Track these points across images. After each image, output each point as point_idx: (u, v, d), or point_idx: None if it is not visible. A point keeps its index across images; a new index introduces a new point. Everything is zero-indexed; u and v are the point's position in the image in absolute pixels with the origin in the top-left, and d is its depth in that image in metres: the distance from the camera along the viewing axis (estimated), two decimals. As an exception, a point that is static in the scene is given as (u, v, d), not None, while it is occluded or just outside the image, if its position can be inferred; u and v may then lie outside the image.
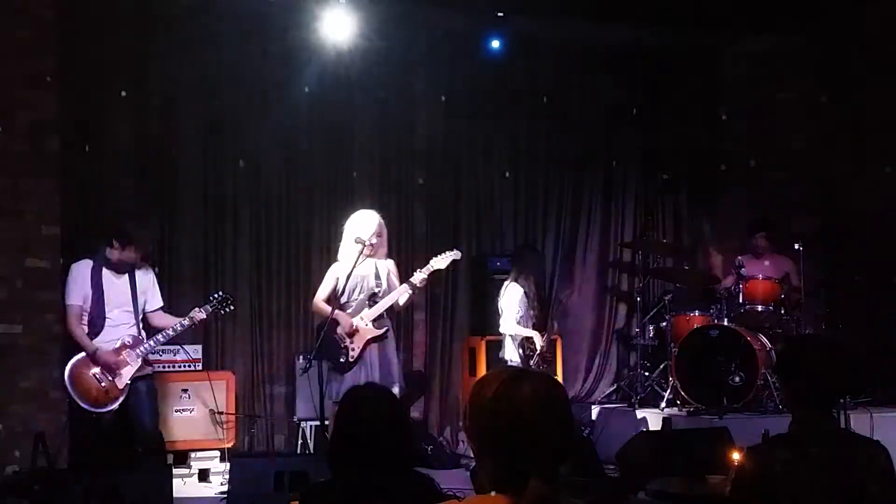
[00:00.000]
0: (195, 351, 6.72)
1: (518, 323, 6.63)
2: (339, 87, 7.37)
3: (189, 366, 6.68)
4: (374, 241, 5.70)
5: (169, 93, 7.02)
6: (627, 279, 8.37)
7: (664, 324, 7.31)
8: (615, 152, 8.40)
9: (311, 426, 6.83)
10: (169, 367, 6.57)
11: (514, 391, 1.90)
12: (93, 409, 5.38)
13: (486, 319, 7.28)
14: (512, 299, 6.68)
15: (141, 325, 5.60)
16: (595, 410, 7.40)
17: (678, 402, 6.99)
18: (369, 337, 5.70)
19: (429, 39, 7.69)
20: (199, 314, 5.65)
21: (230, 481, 5.48)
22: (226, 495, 5.51)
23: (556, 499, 1.87)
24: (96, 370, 5.38)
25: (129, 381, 5.42)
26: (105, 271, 5.49)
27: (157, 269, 6.13)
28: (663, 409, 6.96)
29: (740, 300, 7.01)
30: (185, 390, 6.51)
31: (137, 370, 5.47)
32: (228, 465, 5.91)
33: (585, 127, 8.23)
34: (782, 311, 7.08)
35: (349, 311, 5.75)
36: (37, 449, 5.63)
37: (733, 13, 7.52)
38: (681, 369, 6.89)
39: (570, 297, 6.60)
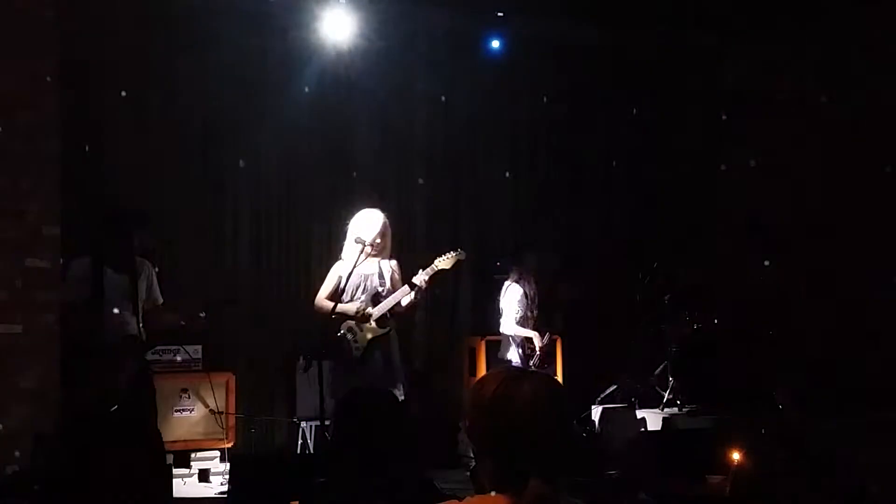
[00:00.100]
0: (195, 351, 6.72)
1: (518, 323, 6.63)
2: (339, 87, 7.37)
3: (189, 365, 6.68)
4: (377, 241, 5.68)
5: (169, 93, 7.02)
6: (627, 279, 8.37)
7: (664, 324, 7.31)
8: (615, 152, 8.40)
9: (311, 426, 6.83)
10: (169, 367, 6.57)
11: (514, 391, 1.91)
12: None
13: (486, 319, 7.27)
14: (512, 300, 6.69)
15: (141, 324, 5.61)
16: (595, 410, 7.40)
17: (678, 402, 6.99)
18: (373, 336, 5.69)
19: (429, 39, 7.69)
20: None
21: (230, 481, 5.48)
22: (226, 495, 5.51)
23: (556, 499, 1.88)
24: None
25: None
26: (105, 268, 5.49)
27: (157, 269, 6.13)
28: (663, 409, 6.96)
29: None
30: (185, 390, 6.51)
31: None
32: (228, 465, 5.91)
33: (585, 127, 8.23)
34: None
35: (352, 311, 5.74)
36: (37, 449, 5.63)
37: (733, 13, 7.52)
38: (681, 369, 6.89)
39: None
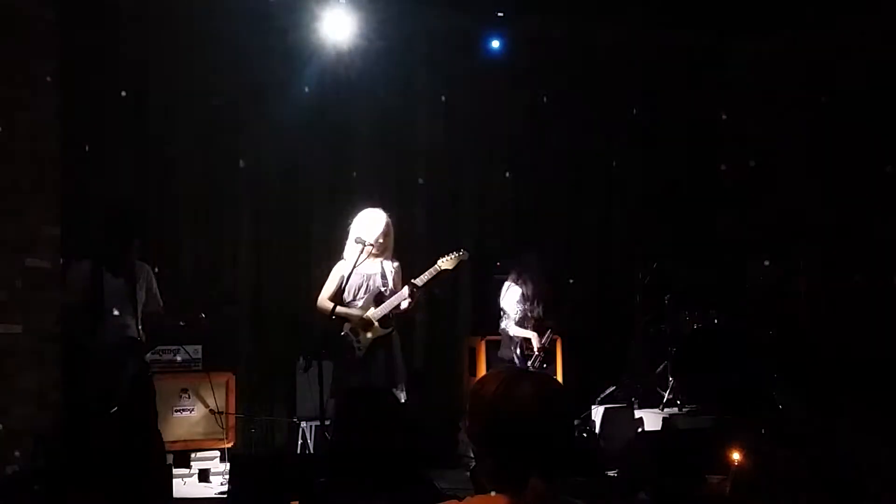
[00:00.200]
0: (195, 351, 6.71)
1: (517, 324, 6.64)
2: (339, 87, 7.36)
3: (189, 365, 6.68)
4: (380, 240, 5.68)
5: (169, 93, 7.02)
6: (627, 279, 8.37)
7: (664, 324, 7.32)
8: (615, 152, 8.40)
9: (311, 426, 6.83)
10: (169, 367, 6.57)
11: (515, 391, 1.91)
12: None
13: (486, 319, 7.27)
14: (511, 300, 6.70)
15: (140, 326, 5.61)
16: (595, 410, 7.40)
17: (678, 402, 6.99)
18: (375, 337, 5.69)
19: (429, 39, 7.69)
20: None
21: (230, 481, 5.48)
22: (226, 495, 5.51)
23: (556, 499, 1.88)
24: None
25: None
26: (104, 272, 5.49)
27: (156, 269, 6.13)
28: (663, 409, 6.97)
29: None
30: (184, 390, 6.51)
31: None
32: (228, 465, 5.91)
33: (585, 127, 8.23)
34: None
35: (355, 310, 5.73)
36: (37, 449, 5.63)
37: (733, 13, 7.53)
38: (680, 369, 6.90)
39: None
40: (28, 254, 6.04)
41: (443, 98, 7.82)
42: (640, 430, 6.85)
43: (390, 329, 5.73)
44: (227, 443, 6.52)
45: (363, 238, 5.59)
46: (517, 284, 6.74)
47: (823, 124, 7.93)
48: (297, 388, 6.91)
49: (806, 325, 7.26)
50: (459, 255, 5.87)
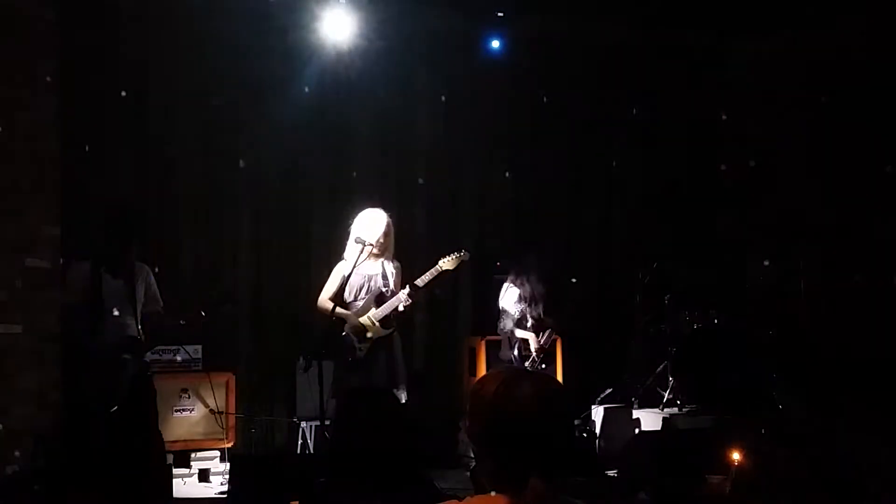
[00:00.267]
0: (195, 351, 6.71)
1: (515, 324, 6.64)
2: (339, 86, 7.37)
3: (189, 365, 6.68)
4: (381, 240, 5.67)
5: (169, 93, 7.02)
6: (627, 279, 8.37)
7: (664, 324, 7.31)
8: (615, 152, 8.40)
9: (311, 426, 6.83)
10: (169, 367, 6.57)
11: (515, 391, 1.91)
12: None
13: (486, 319, 7.27)
14: (509, 301, 6.70)
15: (140, 326, 5.61)
16: (595, 410, 7.40)
17: (678, 402, 6.99)
18: (377, 337, 5.68)
19: (429, 39, 7.69)
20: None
21: (230, 481, 5.48)
22: (226, 495, 5.51)
23: (556, 499, 1.88)
24: None
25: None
26: (104, 272, 5.49)
27: (156, 269, 6.13)
28: (663, 409, 6.96)
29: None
30: (184, 390, 6.51)
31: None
32: (228, 465, 5.91)
33: (585, 127, 8.23)
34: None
35: (355, 310, 5.73)
36: (37, 449, 5.63)
37: (733, 13, 7.53)
38: (680, 369, 6.90)
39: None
40: (28, 254, 6.04)
41: (443, 98, 7.83)
42: (639, 430, 6.85)
43: (391, 329, 5.73)
44: (227, 443, 6.52)
45: (364, 238, 5.59)
46: (515, 285, 6.74)
47: (823, 124, 7.92)
48: (297, 388, 6.91)
49: (806, 325, 7.25)
50: (460, 255, 5.86)
